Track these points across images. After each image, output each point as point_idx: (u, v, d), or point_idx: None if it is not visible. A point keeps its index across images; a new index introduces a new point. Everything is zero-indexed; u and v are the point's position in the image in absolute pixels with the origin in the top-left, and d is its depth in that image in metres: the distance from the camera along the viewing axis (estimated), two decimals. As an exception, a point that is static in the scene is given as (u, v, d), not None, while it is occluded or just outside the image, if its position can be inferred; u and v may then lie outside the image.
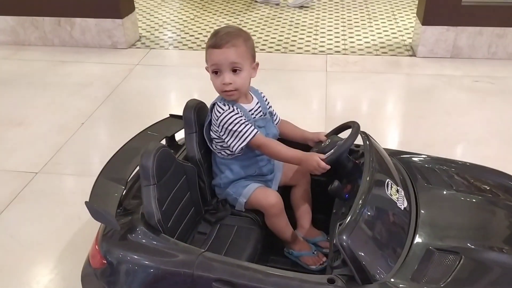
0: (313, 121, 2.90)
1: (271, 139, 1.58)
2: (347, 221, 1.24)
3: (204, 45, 4.20)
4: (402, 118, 3.03)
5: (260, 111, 1.63)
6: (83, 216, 2.13)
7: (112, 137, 2.85)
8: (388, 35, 4.11)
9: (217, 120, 1.53)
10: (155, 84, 3.41)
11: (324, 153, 1.50)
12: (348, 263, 1.20)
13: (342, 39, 4.07)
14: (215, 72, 1.52)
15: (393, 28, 4.26)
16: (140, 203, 1.44)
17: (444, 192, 1.56)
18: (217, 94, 1.61)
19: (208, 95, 3.53)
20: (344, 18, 4.54)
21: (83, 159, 2.57)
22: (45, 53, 3.90)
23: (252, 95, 1.65)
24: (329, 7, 4.85)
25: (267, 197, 1.58)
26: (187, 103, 1.63)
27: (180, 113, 1.88)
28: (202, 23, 4.55)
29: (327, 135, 1.66)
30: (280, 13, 4.73)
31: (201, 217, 1.61)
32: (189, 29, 4.42)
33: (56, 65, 3.68)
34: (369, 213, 1.31)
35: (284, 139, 1.69)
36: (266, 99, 1.70)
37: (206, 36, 4.23)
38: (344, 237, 1.21)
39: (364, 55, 3.78)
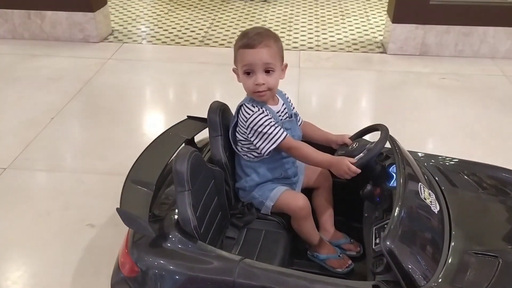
0: (285, 116, 2.94)
1: (301, 142, 1.56)
2: (390, 226, 1.24)
3: (178, 40, 4.21)
4: (373, 113, 3.10)
5: (286, 112, 1.61)
6: (52, 212, 2.12)
7: (82, 132, 2.83)
8: (360, 32, 4.18)
9: (245, 121, 1.50)
10: (128, 78, 3.38)
11: (353, 157, 1.49)
12: (394, 269, 1.19)
13: (315, 36, 4.12)
14: (247, 72, 1.49)
15: (365, 25, 4.33)
16: (168, 208, 1.41)
17: (470, 194, 1.57)
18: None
19: (182, 90, 3.51)
20: (318, 15, 4.60)
21: (52, 154, 2.54)
22: (14, 46, 3.82)
23: (278, 96, 1.63)
24: (302, 4, 4.90)
25: (296, 199, 1.56)
26: (211, 105, 1.58)
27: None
28: (176, 17, 4.53)
29: (352, 138, 1.66)
30: (254, 9, 4.75)
31: (227, 222, 1.58)
32: (163, 23, 4.39)
33: (26, 59, 3.61)
34: (408, 218, 1.30)
35: (306, 141, 1.65)
36: (290, 101, 1.69)
37: (180, 30, 4.22)
38: (389, 243, 1.19)
39: (337, 51, 3.84)
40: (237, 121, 1.55)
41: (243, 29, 4.26)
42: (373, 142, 1.52)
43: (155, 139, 1.64)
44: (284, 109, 1.61)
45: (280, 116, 1.58)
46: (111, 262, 1.83)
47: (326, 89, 3.33)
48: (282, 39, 3.98)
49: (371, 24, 4.37)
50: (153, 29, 4.25)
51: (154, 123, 2.94)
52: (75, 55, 3.69)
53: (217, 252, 1.31)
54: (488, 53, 3.64)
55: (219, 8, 4.78)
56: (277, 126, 1.50)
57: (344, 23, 4.39)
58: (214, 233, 1.47)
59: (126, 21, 4.43)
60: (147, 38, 4.09)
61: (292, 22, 4.43)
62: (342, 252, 1.67)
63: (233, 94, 3.14)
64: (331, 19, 4.50)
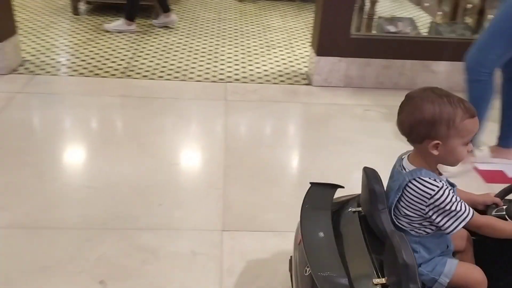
0: (212, 152, 2.82)
1: (487, 217, 1.45)
2: None
3: (98, 71, 3.98)
4: (300, 147, 3.07)
5: (447, 180, 1.47)
6: None
7: (-16, 178, 2.51)
8: (286, 64, 4.21)
9: (428, 198, 1.34)
10: (39, 114, 3.10)
11: None
12: None
13: (242, 67, 4.09)
14: (466, 142, 1.37)
15: (290, 57, 4.38)
16: None
17: None
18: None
19: (102, 125, 3.25)
20: (243, 45, 4.58)
21: None
22: None
23: None
24: (228, 34, 4.87)
25: (473, 273, 1.44)
26: (369, 173, 1.44)
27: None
28: (96, 46, 4.29)
29: (498, 196, 1.58)
30: (179, 39, 4.64)
31: None
32: (81, 53, 4.13)
33: None
34: None
35: None
36: None
37: (100, 61, 3.99)
38: None
39: (263, 83, 3.81)
40: (401, 195, 1.40)
41: (168, 60, 4.12)
42: None
43: (301, 221, 1.50)
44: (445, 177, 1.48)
45: None
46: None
47: (254, 122, 3.27)
48: (208, 71, 3.95)
49: (296, 55, 4.42)
50: (69, 60, 3.98)
51: (67, 166, 2.69)
52: (-23, 89, 3.33)
53: None
54: (406, 85, 3.80)
55: (142, 37, 4.61)
56: (463, 202, 1.36)
57: (270, 55, 4.41)
58: None
59: (40, 50, 4.11)
60: (63, 69, 3.81)
61: (218, 53, 4.37)
62: None
63: (158, 129, 3.01)
64: (257, 50, 4.50)
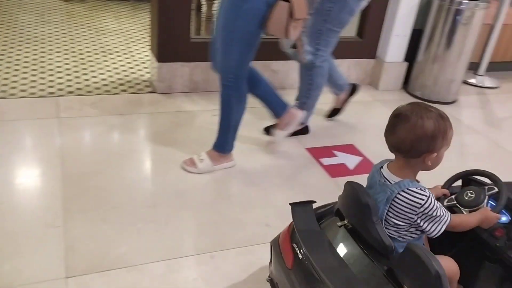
0: (46, 183, 2.44)
1: (459, 215, 1.58)
2: None
3: None
4: (151, 163, 2.86)
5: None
6: None
7: None
8: (126, 71, 3.91)
9: (418, 207, 1.42)
10: None
11: (476, 205, 1.58)
12: None
13: (75, 77, 3.66)
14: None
15: (130, 63, 4.08)
16: None
17: None
18: None
19: None
20: (75, 52, 4.12)
21: None
22: None
23: None
24: (55, 39, 4.33)
25: (451, 266, 1.54)
26: (356, 187, 1.46)
27: None
28: None
29: (444, 187, 1.73)
30: (-7, 47, 3.97)
31: None
32: None
33: None
34: None
35: None
36: None
37: None
38: None
39: (102, 94, 3.47)
40: (389, 206, 1.45)
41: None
42: (487, 186, 1.63)
43: (304, 245, 1.46)
44: None
45: None
46: None
47: (95, 141, 2.94)
48: (33, 85, 3.44)
49: (137, 61, 4.14)
50: None
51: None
52: None
53: None
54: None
55: None
56: (442, 206, 1.47)
57: (107, 61, 4.04)
58: None
59: None
60: None
61: (44, 62, 3.85)
62: None
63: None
64: (91, 56, 4.09)
